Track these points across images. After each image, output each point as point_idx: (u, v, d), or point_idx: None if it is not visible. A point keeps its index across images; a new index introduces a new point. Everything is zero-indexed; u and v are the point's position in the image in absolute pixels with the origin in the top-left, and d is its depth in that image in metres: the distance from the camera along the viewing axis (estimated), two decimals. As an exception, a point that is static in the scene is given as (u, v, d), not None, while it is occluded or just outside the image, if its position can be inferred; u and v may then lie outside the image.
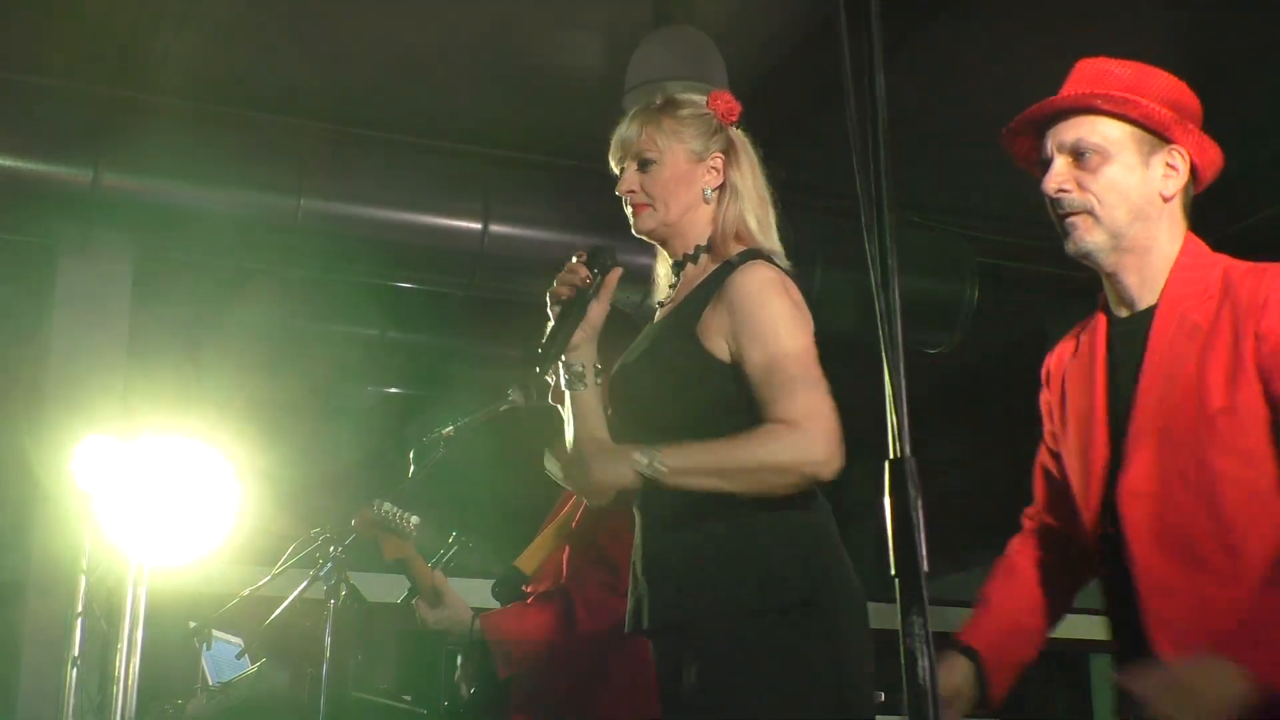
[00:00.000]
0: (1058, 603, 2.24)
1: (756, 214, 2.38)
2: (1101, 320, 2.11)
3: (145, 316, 5.72)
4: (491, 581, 3.42)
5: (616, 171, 2.42)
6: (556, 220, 5.25)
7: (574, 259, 2.39)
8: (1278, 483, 1.93)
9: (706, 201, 2.37)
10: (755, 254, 2.32)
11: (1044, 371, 2.25)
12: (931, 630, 1.27)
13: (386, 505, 3.32)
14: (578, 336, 2.35)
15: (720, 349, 2.24)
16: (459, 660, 3.55)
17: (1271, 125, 5.32)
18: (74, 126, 4.87)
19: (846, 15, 1.51)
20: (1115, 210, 1.99)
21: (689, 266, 2.39)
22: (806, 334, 2.23)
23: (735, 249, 2.35)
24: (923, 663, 1.25)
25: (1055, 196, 2.02)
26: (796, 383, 2.16)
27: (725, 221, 2.36)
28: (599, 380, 2.38)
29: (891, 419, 1.35)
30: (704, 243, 2.38)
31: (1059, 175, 2.01)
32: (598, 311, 2.36)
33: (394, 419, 8.07)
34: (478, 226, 5.26)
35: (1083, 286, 6.75)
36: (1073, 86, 2.06)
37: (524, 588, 3.36)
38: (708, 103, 2.41)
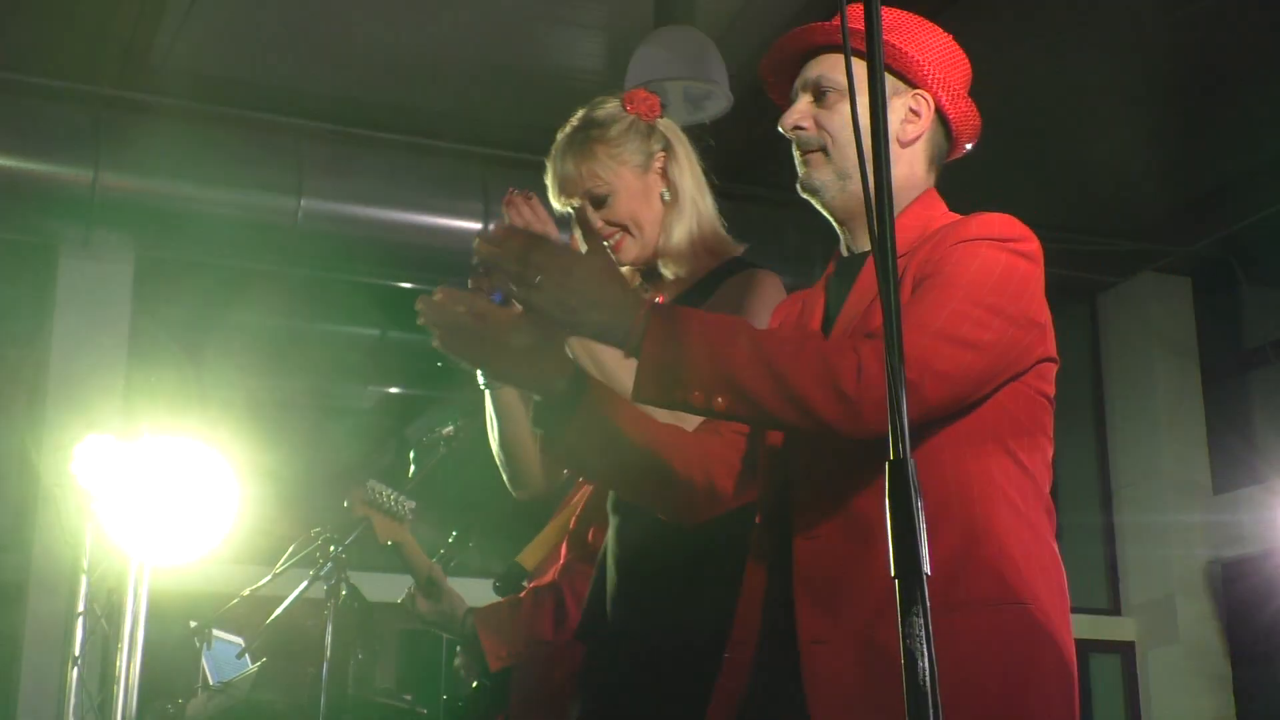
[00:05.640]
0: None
1: (705, 203, 2.34)
2: (830, 266, 2.01)
3: (146, 316, 5.73)
4: (491, 580, 3.43)
5: (564, 212, 2.35)
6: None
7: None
8: (920, 427, 1.73)
9: (665, 204, 2.33)
10: (743, 263, 2.31)
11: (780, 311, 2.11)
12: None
13: (379, 486, 3.33)
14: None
15: None
16: (459, 655, 3.56)
17: (1272, 125, 5.32)
18: (74, 126, 4.88)
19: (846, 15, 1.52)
20: (847, 149, 1.90)
21: (666, 272, 2.35)
22: None
23: (706, 250, 2.32)
24: (922, 663, 1.25)
25: (791, 134, 1.94)
26: None
27: (683, 223, 2.31)
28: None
29: (891, 419, 1.35)
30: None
31: (796, 112, 1.93)
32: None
33: (394, 419, 8.07)
34: (478, 226, 5.27)
35: (1079, 285, 6.78)
36: (826, 24, 1.96)
37: (525, 583, 3.37)
38: (626, 107, 2.33)
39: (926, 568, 1.29)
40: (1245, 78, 5.06)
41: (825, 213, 1.96)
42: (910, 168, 1.94)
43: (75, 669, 4.42)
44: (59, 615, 4.67)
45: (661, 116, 2.36)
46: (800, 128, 1.93)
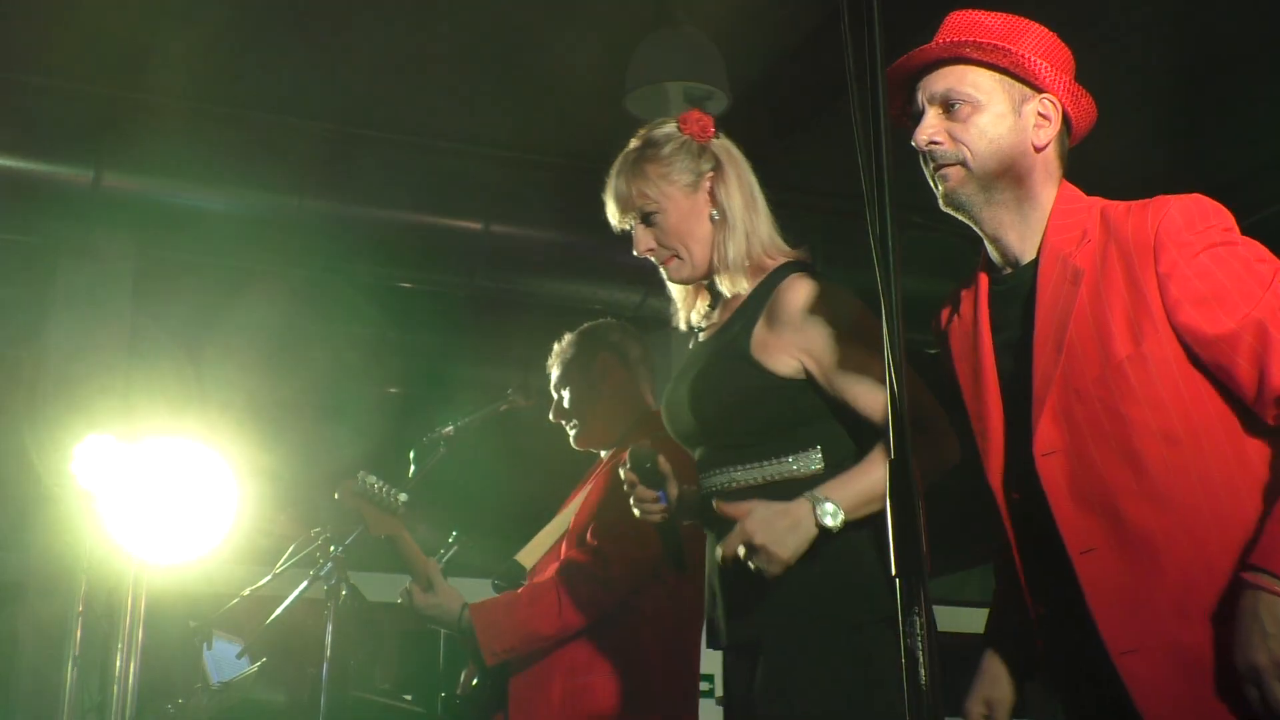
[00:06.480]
0: None
1: (757, 221, 2.40)
2: (983, 280, 2.05)
3: (146, 316, 5.72)
4: (491, 580, 3.42)
5: (621, 229, 2.44)
6: (556, 220, 5.25)
7: (626, 483, 2.39)
8: (1189, 428, 1.85)
9: (714, 224, 2.39)
10: (792, 266, 2.35)
11: (935, 333, 2.19)
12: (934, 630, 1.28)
13: (370, 478, 3.32)
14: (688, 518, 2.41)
15: (785, 366, 2.27)
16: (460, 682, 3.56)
17: (1272, 125, 5.32)
18: (74, 126, 4.87)
19: (849, 15, 1.52)
20: (987, 161, 1.94)
21: (724, 289, 2.40)
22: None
23: (761, 263, 2.37)
24: (922, 663, 1.25)
25: (926, 149, 1.97)
26: None
27: (734, 243, 2.37)
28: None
29: (892, 420, 1.35)
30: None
31: (930, 127, 1.96)
32: (681, 492, 2.39)
33: (394, 419, 8.07)
34: (478, 226, 5.26)
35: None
36: (942, 36, 2.01)
37: (524, 582, 3.36)
38: (680, 128, 2.41)
39: (926, 566, 1.29)
40: (1247, 77, 5.06)
41: (974, 226, 2.00)
42: (1046, 169, 1.99)
43: (75, 669, 4.42)
44: (59, 615, 4.67)
45: (716, 137, 2.42)
46: (935, 142, 1.95)
